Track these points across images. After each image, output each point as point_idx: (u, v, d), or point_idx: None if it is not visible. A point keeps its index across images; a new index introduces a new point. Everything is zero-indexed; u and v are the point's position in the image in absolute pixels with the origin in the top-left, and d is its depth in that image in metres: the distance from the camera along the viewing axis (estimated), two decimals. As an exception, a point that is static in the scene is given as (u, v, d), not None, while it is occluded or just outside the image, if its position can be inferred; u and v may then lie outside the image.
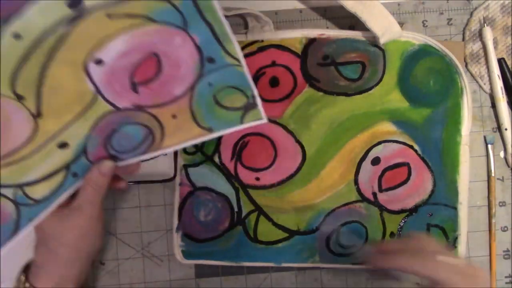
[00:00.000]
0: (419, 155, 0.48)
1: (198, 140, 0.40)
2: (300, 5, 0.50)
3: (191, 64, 0.37)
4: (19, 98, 0.35)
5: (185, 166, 0.48)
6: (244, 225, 0.48)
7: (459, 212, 0.47)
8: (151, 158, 0.42)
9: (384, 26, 0.45)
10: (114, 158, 0.40)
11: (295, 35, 0.48)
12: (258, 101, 0.39)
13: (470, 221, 0.48)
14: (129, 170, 0.42)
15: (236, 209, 0.48)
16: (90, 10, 0.33)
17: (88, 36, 0.34)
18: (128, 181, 0.48)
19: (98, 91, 0.37)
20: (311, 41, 0.47)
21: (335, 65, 0.48)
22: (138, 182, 0.48)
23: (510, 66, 0.49)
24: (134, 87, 0.37)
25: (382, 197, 0.48)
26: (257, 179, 0.48)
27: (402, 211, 0.48)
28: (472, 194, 0.49)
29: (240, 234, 0.48)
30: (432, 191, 0.48)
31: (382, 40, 0.45)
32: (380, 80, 0.47)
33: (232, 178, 0.48)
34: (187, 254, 0.48)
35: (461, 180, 0.47)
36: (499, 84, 0.49)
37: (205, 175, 0.48)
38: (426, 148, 0.48)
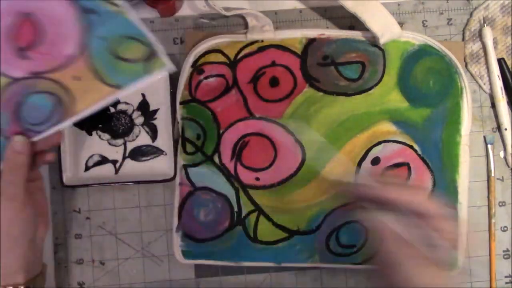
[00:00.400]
0: (419, 155, 0.48)
1: (110, 99, 0.38)
2: (300, 5, 0.50)
3: (70, 19, 0.36)
4: None
5: (185, 166, 0.48)
6: (244, 225, 0.48)
7: (459, 212, 0.47)
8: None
9: (384, 26, 0.45)
10: (29, 132, 0.38)
11: (295, 35, 0.48)
12: (158, 47, 0.37)
13: (470, 221, 0.48)
14: (50, 141, 0.40)
15: (236, 209, 0.48)
16: None
17: None
18: (128, 181, 0.48)
19: None
20: (311, 41, 0.47)
21: (335, 65, 0.48)
22: (138, 182, 0.48)
23: (510, 66, 0.49)
24: (22, 53, 0.36)
25: (382, 197, 0.48)
26: (257, 179, 0.48)
27: (402, 211, 0.48)
28: (472, 194, 0.49)
29: (240, 234, 0.48)
30: (432, 191, 0.48)
31: (382, 40, 0.46)
32: (380, 80, 0.47)
33: (232, 178, 0.48)
34: (187, 254, 0.48)
35: (461, 180, 0.47)
36: (498, 84, 0.49)
37: (205, 175, 0.48)
38: (426, 148, 0.48)
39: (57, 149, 0.46)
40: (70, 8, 0.36)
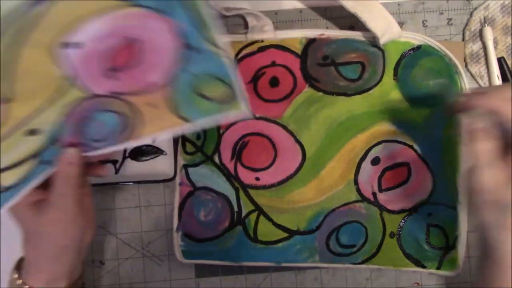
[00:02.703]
0: (419, 155, 0.48)
1: (175, 130, 0.38)
2: (300, 5, 0.50)
3: (169, 51, 0.36)
4: None
5: (185, 166, 0.48)
6: (244, 225, 0.48)
7: (459, 212, 0.47)
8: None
9: (384, 27, 0.45)
10: (87, 146, 0.38)
11: (295, 35, 0.48)
12: (239, 91, 0.37)
13: (470, 221, 0.48)
14: (105, 155, 0.40)
15: (236, 209, 0.48)
16: None
17: (60, 19, 0.33)
18: (128, 182, 0.48)
19: (72, 75, 0.36)
20: (311, 41, 0.47)
21: (335, 65, 0.48)
22: (138, 182, 0.48)
23: (510, 66, 0.49)
24: (111, 73, 0.36)
25: (382, 197, 0.48)
26: (257, 179, 0.48)
27: (402, 211, 0.48)
28: (472, 194, 0.49)
29: (240, 234, 0.48)
30: (432, 191, 0.48)
31: (382, 41, 0.46)
32: (380, 80, 0.47)
33: (232, 178, 0.48)
34: (187, 254, 0.48)
35: (461, 180, 0.47)
36: (498, 84, 0.49)
37: (205, 175, 0.48)
38: (426, 148, 0.48)
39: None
40: (175, 42, 0.36)
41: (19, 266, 0.40)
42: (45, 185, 0.38)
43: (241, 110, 0.37)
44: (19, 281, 0.39)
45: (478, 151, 0.36)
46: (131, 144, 0.38)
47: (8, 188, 0.37)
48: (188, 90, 0.37)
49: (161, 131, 0.38)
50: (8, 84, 0.35)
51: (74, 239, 0.39)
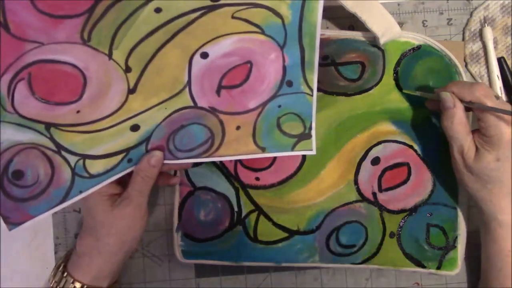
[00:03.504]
0: (419, 155, 0.48)
1: (248, 156, 0.40)
2: (300, 5, 0.50)
3: (273, 82, 0.38)
4: (127, 69, 0.35)
5: (185, 166, 0.48)
6: (244, 225, 0.48)
7: (459, 212, 0.47)
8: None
9: (384, 26, 0.45)
10: (169, 153, 0.40)
11: (295, 35, 0.48)
12: (313, 133, 0.41)
13: (470, 221, 0.48)
14: (180, 165, 0.42)
15: (236, 209, 0.48)
16: (224, 5, 0.35)
17: (208, 29, 0.36)
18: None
19: (188, 83, 0.37)
20: (311, 41, 0.47)
21: (335, 65, 0.48)
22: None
23: (510, 66, 0.49)
24: (219, 89, 0.38)
25: (382, 197, 0.48)
26: (257, 179, 0.48)
27: (402, 211, 0.48)
28: (472, 194, 0.49)
29: (240, 234, 0.48)
30: (432, 191, 0.48)
31: (382, 41, 0.46)
32: (380, 80, 0.47)
33: (232, 178, 0.48)
34: (187, 254, 0.48)
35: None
36: (498, 84, 0.49)
37: (205, 175, 0.48)
38: (426, 148, 0.48)
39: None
40: (279, 74, 0.38)
41: (66, 259, 0.41)
42: (120, 182, 0.40)
43: (311, 150, 0.41)
44: (64, 273, 0.40)
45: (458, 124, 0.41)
46: (206, 160, 0.40)
47: (93, 176, 0.38)
48: (272, 121, 0.40)
49: (237, 154, 0.40)
50: (139, 76, 0.36)
51: (136, 237, 0.41)
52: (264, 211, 0.48)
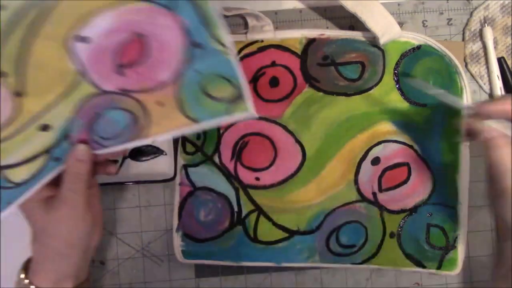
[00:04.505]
0: (419, 155, 0.48)
1: (183, 131, 0.38)
2: (300, 5, 0.50)
3: (177, 48, 0.36)
4: (2, 74, 0.34)
5: (185, 166, 0.48)
6: (244, 225, 0.48)
7: (459, 212, 0.47)
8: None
9: (384, 26, 0.45)
10: (96, 144, 0.38)
11: (295, 35, 0.48)
12: (245, 92, 0.37)
13: (470, 221, 0.48)
14: (115, 154, 0.40)
15: (236, 209, 0.48)
16: None
17: (73, 11, 0.33)
18: (128, 182, 0.48)
19: (82, 70, 0.36)
20: (311, 41, 0.47)
21: (335, 65, 0.48)
22: (138, 182, 0.48)
23: (510, 66, 0.49)
24: (120, 69, 0.36)
25: (382, 197, 0.48)
26: (257, 179, 0.48)
27: (402, 211, 0.48)
28: (472, 194, 0.49)
29: (240, 234, 0.48)
30: (432, 191, 0.48)
31: (382, 41, 0.46)
32: (380, 80, 0.47)
33: (232, 178, 0.48)
34: (187, 254, 0.48)
35: (461, 180, 0.47)
36: (498, 84, 0.49)
37: (205, 175, 0.48)
38: (426, 148, 0.48)
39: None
40: (181, 39, 0.36)
41: (27, 266, 0.40)
42: (55, 182, 0.38)
43: (247, 111, 0.37)
44: (26, 281, 0.39)
45: (502, 157, 0.37)
46: (139, 143, 0.38)
47: (19, 184, 0.37)
48: (195, 89, 0.37)
49: (168, 131, 0.38)
50: (20, 77, 0.35)
51: (82, 237, 0.39)
52: (264, 211, 0.48)
